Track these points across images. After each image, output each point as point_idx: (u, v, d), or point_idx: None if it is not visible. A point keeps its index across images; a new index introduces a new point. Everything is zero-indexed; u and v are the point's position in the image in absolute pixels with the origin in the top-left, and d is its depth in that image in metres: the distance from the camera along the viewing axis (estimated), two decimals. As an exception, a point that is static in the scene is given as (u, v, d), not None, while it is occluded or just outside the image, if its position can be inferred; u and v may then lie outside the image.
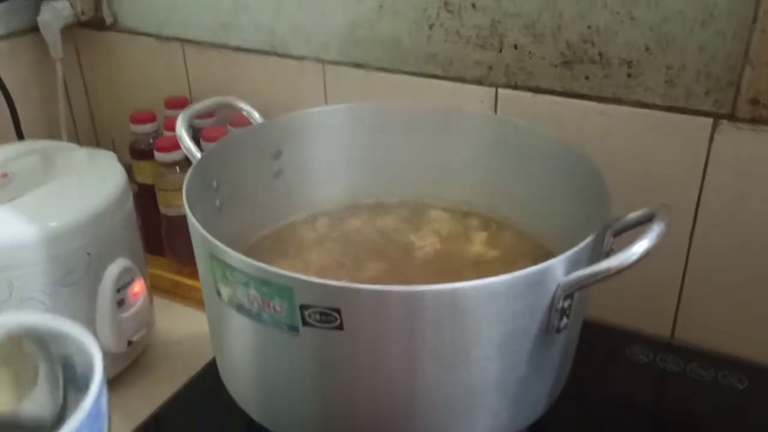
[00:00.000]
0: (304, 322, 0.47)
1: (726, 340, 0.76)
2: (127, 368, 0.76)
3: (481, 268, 0.67)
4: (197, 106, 0.67)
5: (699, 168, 0.72)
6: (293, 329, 0.48)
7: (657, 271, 0.75)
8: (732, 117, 0.69)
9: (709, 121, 0.70)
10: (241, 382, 0.58)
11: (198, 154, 0.63)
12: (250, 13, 0.90)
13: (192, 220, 0.52)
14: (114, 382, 0.74)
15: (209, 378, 0.73)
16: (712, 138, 0.70)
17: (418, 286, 0.45)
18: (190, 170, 0.60)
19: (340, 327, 0.46)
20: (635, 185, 0.71)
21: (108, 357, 0.71)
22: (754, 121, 0.68)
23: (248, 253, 0.65)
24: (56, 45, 0.99)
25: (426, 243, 0.70)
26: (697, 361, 0.73)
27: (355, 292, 0.45)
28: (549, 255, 0.65)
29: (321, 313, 0.46)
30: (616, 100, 0.74)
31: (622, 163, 0.73)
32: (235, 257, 0.48)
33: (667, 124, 0.72)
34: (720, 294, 0.75)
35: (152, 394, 0.72)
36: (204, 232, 0.50)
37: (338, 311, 0.46)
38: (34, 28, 0.99)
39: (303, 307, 0.46)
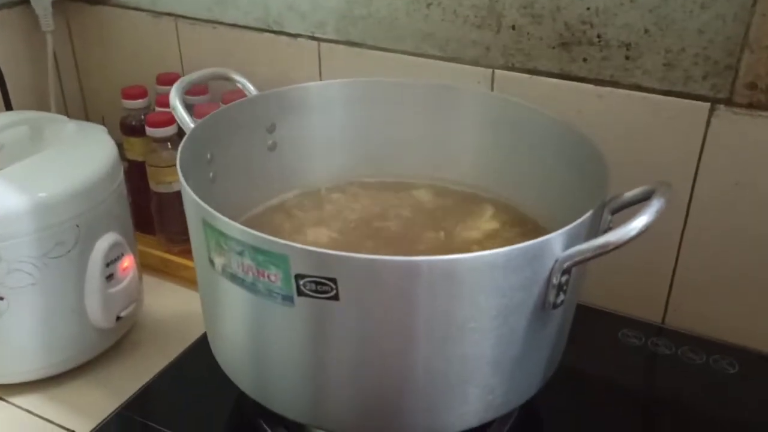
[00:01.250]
0: (299, 292, 0.46)
1: (717, 325, 0.76)
2: (115, 344, 0.75)
3: (477, 247, 0.66)
4: (192, 76, 0.66)
5: (695, 153, 0.71)
6: (288, 299, 0.47)
7: (650, 255, 0.75)
8: (729, 102, 0.69)
9: (706, 105, 0.70)
10: (233, 355, 0.57)
11: (192, 124, 0.62)
12: (245, -11, 0.89)
13: (186, 188, 0.52)
14: (102, 357, 0.74)
15: (199, 354, 0.72)
16: (708, 123, 0.70)
17: (417, 257, 0.44)
18: (183, 140, 0.59)
19: (336, 297, 0.46)
20: (630, 169, 0.70)
21: (96, 332, 0.71)
22: (751, 106, 0.68)
23: (241, 227, 0.64)
24: (47, 17, 0.97)
25: (421, 221, 0.70)
26: (689, 345, 0.73)
27: (352, 261, 0.44)
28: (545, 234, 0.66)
29: (316, 283, 0.45)
30: (614, 83, 0.73)
31: (617, 146, 0.72)
32: (229, 225, 0.47)
33: (664, 108, 0.71)
34: (712, 279, 0.75)
35: (140, 371, 0.72)
36: (198, 199, 0.49)
37: (334, 281, 0.45)
38: (25, 0, 0.97)
39: (298, 277, 0.46)
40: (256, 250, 0.46)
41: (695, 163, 0.72)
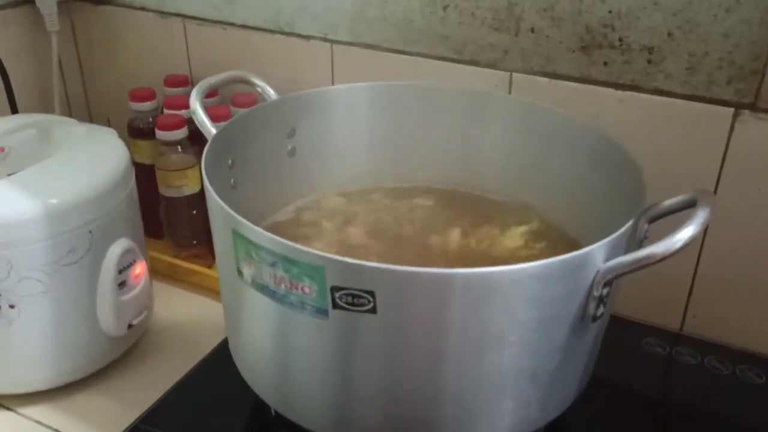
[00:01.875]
0: (335, 305, 0.45)
1: (739, 334, 0.75)
2: (126, 353, 0.73)
3: (504, 257, 0.65)
4: (212, 80, 0.65)
5: (717, 159, 0.71)
6: (322, 312, 0.46)
7: (671, 263, 0.74)
8: (754, 107, 0.68)
9: (730, 110, 0.69)
10: (259, 367, 0.55)
11: (213, 130, 0.61)
12: (256, -11, 0.88)
13: (213, 196, 0.50)
14: (113, 366, 0.72)
15: (215, 364, 0.71)
16: (732, 128, 0.69)
17: (457, 269, 0.43)
18: (207, 145, 0.57)
19: (374, 310, 0.44)
20: (651, 175, 0.69)
21: (108, 340, 0.70)
22: (776, 111, 0.67)
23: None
24: (52, 17, 0.96)
25: (446, 229, 0.68)
26: (714, 354, 0.72)
27: (393, 273, 0.43)
28: (573, 244, 0.64)
29: (353, 296, 0.44)
30: (635, 87, 0.72)
31: (638, 151, 0.70)
32: (262, 235, 0.46)
33: (686, 113, 0.71)
34: (734, 287, 0.74)
35: (152, 380, 0.70)
36: (227, 208, 0.48)
37: (372, 294, 0.44)
38: (30, 0, 0.95)
39: (334, 289, 0.44)
40: (290, 262, 0.45)
41: (718, 169, 0.71)
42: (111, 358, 0.72)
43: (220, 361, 0.60)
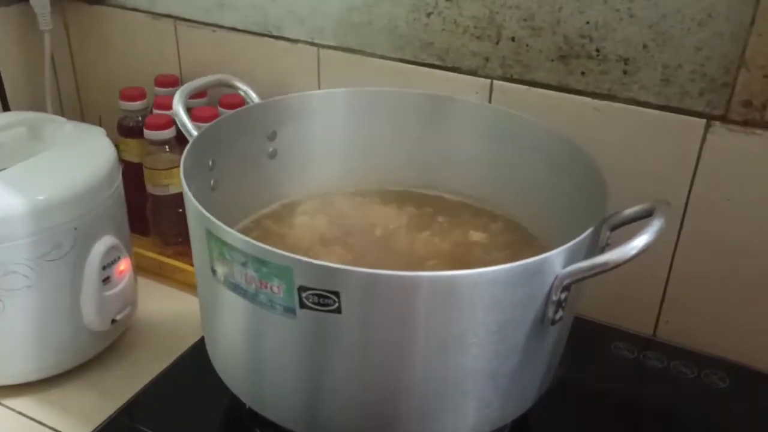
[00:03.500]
0: (302, 305, 0.47)
1: (709, 339, 0.76)
2: (109, 347, 0.75)
3: (473, 257, 0.67)
4: (195, 83, 0.66)
5: (689, 168, 0.72)
6: (290, 311, 0.47)
7: (643, 268, 0.76)
8: (725, 119, 0.70)
9: (702, 121, 0.71)
10: (231, 363, 0.57)
11: (195, 132, 0.62)
12: (245, -8, 0.89)
13: (190, 197, 0.52)
14: (96, 360, 0.73)
15: (193, 359, 0.72)
16: (704, 138, 0.71)
17: (420, 273, 0.45)
18: (187, 147, 0.59)
19: (338, 310, 0.46)
20: (625, 182, 0.71)
21: (91, 335, 0.71)
22: (746, 123, 0.69)
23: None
24: (45, 16, 0.97)
25: (419, 230, 0.70)
26: (680, 359, 0.74)
27: (356, 275, 0.45)
28: (541, 247, 0.66)
29: (319, 296, 0.46)
30: (611, 97, 0.74)
31: (613, 159, 0.72)
32: (234, 236, 0.47)
33: (660, 123, 0.72)
34: (704, 293, 0.76)
35: (135, 375, 0.72)
36: (202, 209, 0.50)
37: (337, 294, 0.45)
38: (23, -2, 0.97)
39: (301, 289, 0.46)
40: (260, 262, 0.47)
41: (690, 178, 0.73)
42: (94, 352, 0.73)
43: (200, 356, 0.61)
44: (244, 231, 0.68)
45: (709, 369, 0.73)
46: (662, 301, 0.78)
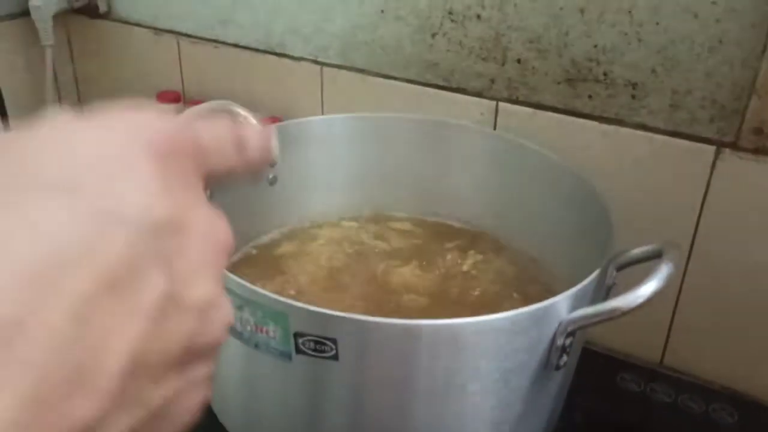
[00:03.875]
0: (298, 350, 0.45)
1: (717, 371, 0.75)
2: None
3: (473, 290, 0.65)
4: (194, 110, 0.65)
5: (699, 195, 0.71)
6: (285, 356, 0.46)
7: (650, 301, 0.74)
8: (735, 146, 0.68)
9: (712, 148, 0.69)
10: (229, 407, 0.56)
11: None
12: (249, 10, 0.88)
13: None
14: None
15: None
16: (714, 165, 0.69)
17: (420, 321, 0.44)
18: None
19: (335, 357, 0.45)
20: (633, 209, 0.70)
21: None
22: (757, 151, 0.67)
23: (238, 264, 0.64)
24: (47, 31, 0.96)
25: (420, 260, 0.69)
26: (688, 393, 0.72)
27: (354, 322, 0.44)
28: (544, 280, 0.65)
29: (316, 342, 0.45)
30: (619, 122, 0.73)
31: (620, 185, 0.72)
32: (229, 279, 0.46)
33: (669, 149, 0.71)
34: (712, 324, 0.74)
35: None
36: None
37: (334, 341, 0.44)
38: (25, 13, 0.96)
39: (297, 335, 0.45)
40: (256, 306, 0.45)
41: (699, 206, 0.71)
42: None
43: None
44: (245, 258, 0.67)
45: (717, 403, 0.71)
46: (669, 329, 0.77)
